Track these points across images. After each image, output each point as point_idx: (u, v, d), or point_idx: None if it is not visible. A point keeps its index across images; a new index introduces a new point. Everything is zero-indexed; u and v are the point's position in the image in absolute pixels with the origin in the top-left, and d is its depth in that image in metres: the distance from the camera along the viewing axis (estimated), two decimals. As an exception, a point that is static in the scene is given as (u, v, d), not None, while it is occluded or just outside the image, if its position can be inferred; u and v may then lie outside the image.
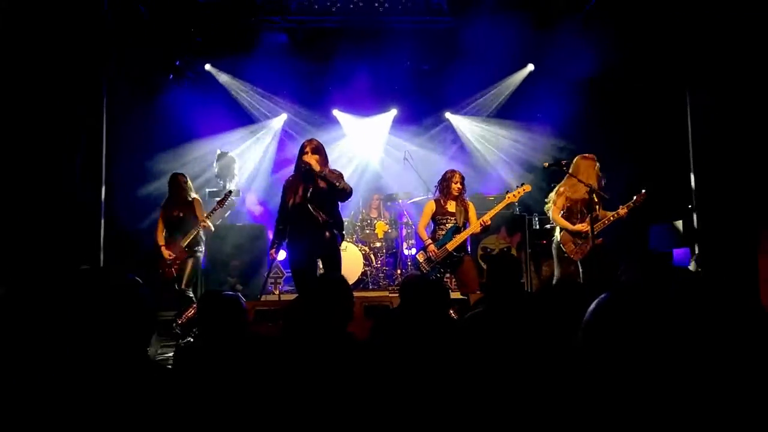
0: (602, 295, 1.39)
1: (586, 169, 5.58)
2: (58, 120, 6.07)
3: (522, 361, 1.43)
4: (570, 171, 5.64)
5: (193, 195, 6.44)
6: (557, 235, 5.77)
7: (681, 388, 1.27)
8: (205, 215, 6.23)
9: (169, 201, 6.37)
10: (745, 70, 5.65)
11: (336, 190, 4.91)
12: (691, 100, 6.09)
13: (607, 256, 5.56)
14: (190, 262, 6.18)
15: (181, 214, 6.25)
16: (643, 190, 5.46)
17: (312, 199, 4.94)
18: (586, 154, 5.70)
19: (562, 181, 5.77)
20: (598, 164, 5.63)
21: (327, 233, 4.96)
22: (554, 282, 5.90)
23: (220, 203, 6.41)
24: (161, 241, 6.24)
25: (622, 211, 5.46)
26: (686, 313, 1.51)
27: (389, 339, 2.37)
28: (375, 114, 9.75)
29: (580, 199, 5.59)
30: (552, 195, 5.85)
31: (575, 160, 5.73)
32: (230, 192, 6.71)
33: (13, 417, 1.64)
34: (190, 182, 6.49)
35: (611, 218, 5.50)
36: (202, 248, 6.37)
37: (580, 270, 5.62)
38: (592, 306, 1.38)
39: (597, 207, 5.44)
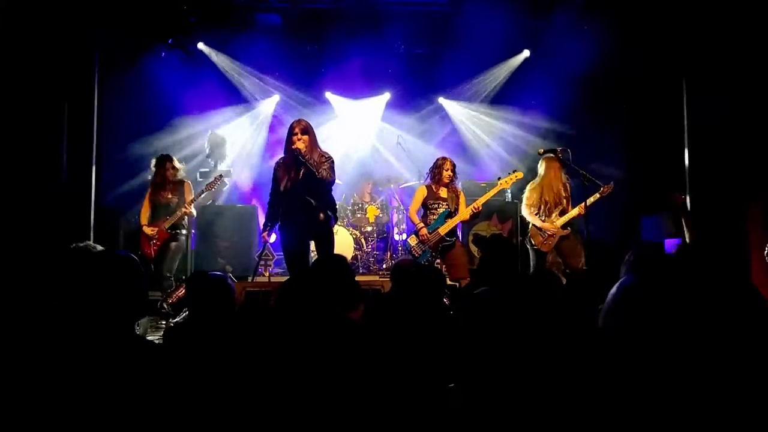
0: (623, 279, 1.40)
1: (556, 172, 5.81)
2: (49, 95, 5.97)
3: (525, 342, 1.42)
4: (542, 172, 5.86)
5: (182, 177, 6.36)
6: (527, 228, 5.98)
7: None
8: (192, 197, 6.16)
9: (158, 183, 6.25)
10: (745, 60, 5.63)
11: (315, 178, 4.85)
12: (687, 89, 6.08)
13: (578, 244, 5.84)
14: (171, 246, 6.13)
15: (170, 196, 6.19)
16: (611, 182, 5.61)
17: (304, 181, 4.90)
18: (553, 160, 5.81)
19: (537, 179, 5.94)
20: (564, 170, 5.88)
21: (321, 215, 4.93)
22: (531, 272, 6.02)
23: (209, 186, 6.32)
24: (144, 220, 6.16)
25: (589, 202, 5.54)
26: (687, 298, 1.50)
27: (383, 321, 2.36)
28: (368, 97, 9.67)
29: (550, 196, 5.80)
30: (525, 191, 5.99)
31: (545, 162, 5.88)
32: (220, 176, 6.54)
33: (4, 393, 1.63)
34: (178, 164, 6.40)
35: (578, 211, 5.64)
36: (184, 232, 6.29)
37: (558, 260, 5.96)
38: (614, 290, 1.40)
39: (565, 202, 5.81)
